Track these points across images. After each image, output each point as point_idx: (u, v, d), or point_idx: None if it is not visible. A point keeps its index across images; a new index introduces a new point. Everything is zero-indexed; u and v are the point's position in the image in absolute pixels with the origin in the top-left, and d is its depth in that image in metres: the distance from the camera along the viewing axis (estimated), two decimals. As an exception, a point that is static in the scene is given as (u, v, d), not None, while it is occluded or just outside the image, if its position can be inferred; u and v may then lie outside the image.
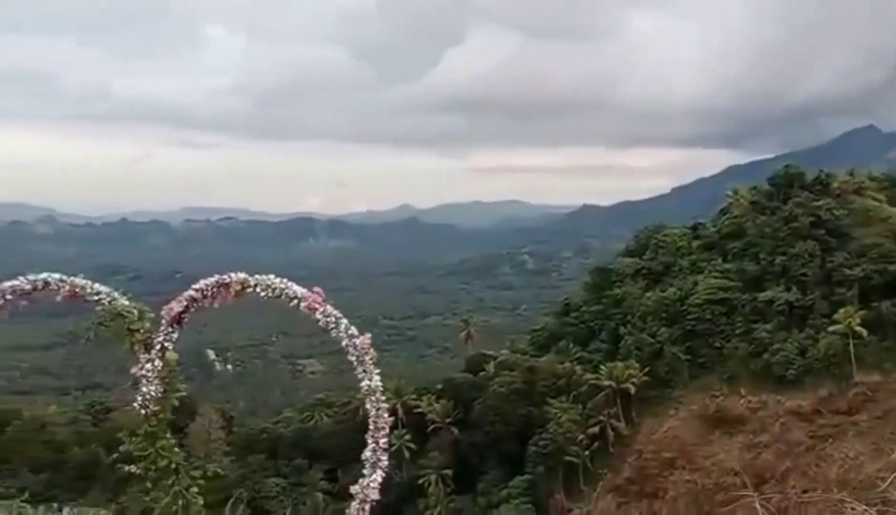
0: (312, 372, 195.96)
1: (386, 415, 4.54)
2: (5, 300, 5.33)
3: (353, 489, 4.51)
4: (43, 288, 5.24)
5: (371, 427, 4.55)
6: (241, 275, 4.87)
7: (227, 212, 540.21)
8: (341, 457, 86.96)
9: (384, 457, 4.51)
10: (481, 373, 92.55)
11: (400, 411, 79.07)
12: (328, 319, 4.67)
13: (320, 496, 79.09)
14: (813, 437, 78.42)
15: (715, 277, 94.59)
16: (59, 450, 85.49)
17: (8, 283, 5.33)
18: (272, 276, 4.84)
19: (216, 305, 5.06)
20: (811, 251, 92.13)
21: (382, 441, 4.52)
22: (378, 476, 4.49)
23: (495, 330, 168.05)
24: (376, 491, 4.48)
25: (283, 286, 4.75)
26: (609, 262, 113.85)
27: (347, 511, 4.49)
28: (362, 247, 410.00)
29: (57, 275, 5.29)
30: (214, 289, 4.94)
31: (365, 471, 4.52)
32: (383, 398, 4.55)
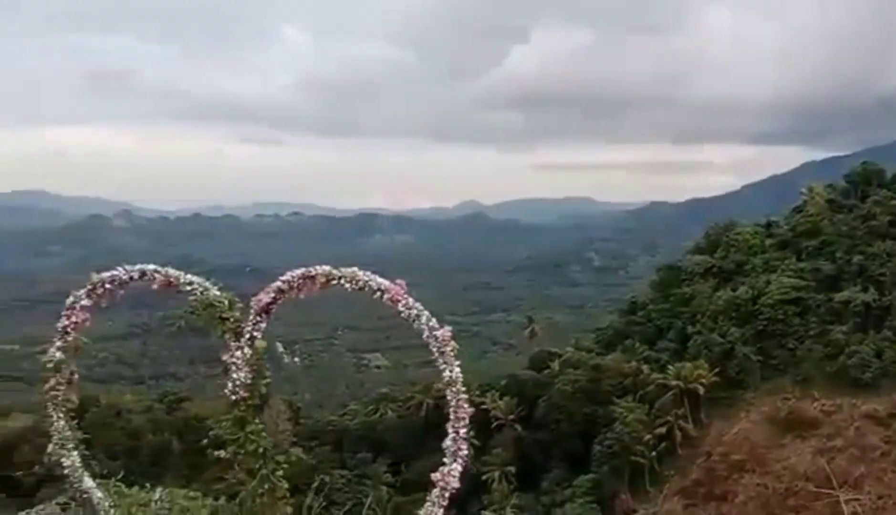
0: (377, 367, 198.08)
1: (466, 406, 4.65)
2: (105, 289, 5.64)
3: (434, 476, 4.63)
4: (140, 278, 5.52)
5: (451, 417, 4.67)
6: (326, 268, 5.04)
7: (296, 207, 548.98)
8: (405, 451, 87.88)
9: (464, 447, 4.62)
10: (546, 371, 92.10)
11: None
12: (410, 311, 4.81)
13: (384, 489, 79.90)
14: (888, 442, 75.87)
15: (788, 276, 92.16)
16: (133, 437, 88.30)
17: (107, 273, 5.64)
18: (355, 269, 5.00)
19: (301, 296, 5.26)
20: (889, 250, 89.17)
21: (462, 431, 4.63)
22: (458, 465, 4.60)
23: (560, 327, 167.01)
24: (456, 480, 4.60)
25: (366, 278, 4.91)
26: (678, 260, 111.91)
27: (428, 497, 4.62)
28: (427, 243, 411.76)
29: (152, 266, 5.57)
30: (300, 281, 5.13)
31: (445, 460, 4.63)
32: (463, 389, 4.66)
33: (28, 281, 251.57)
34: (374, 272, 5.49)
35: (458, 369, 4.71)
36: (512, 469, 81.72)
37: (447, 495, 4.68)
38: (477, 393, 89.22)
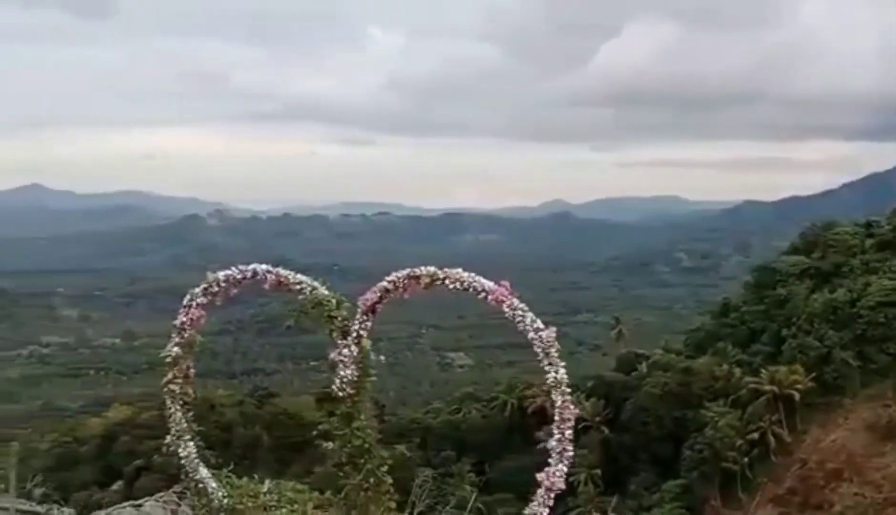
0: (461, 366, 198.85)
1: (571, 407, 4.67)
2: (220, 288, 5.89)
3: (539, 476, 4.68)
4: (252, 277, 5.75)
5: (556, 418, 4.70)
6: (431, 269, 5.14)
7: (383, 207, 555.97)
8: (488, 451, 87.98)
9: (570, 448, 4.65)
10: (633, 373, 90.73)
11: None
12: (515, 312, 4.86)
13: (468, 488, 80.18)
14: None
15: (890, 278, 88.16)
16: (226, 430, 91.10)
17: (221, 273, 5.89)
18: (460, 270, 5.09)
19: (406, 296, 5.38)
20: None
21: (568, 432, 4.66)
22: (564, 466, 4.63)
23: (648, 329, 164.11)
24: (562, 481, 4.63)
25: (471, 279, 4.98)
26: (772, 261, 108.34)
27: (532, 497, 4.66)
28: (513, 242, 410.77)
29: (264, 266, 5.79)
30: (405, 281, 5.25)
31: (550, 461, 4.67)
32: (568, 390, 4.68)
33: (127, 278, 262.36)
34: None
35: (563, 370, 4.74)
36: (598, 471, 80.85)
37: (552, 496, 4.71)
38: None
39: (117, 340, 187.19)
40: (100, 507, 6.00)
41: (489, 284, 4.96)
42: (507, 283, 4.94)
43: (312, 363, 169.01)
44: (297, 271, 5.86)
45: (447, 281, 5.08)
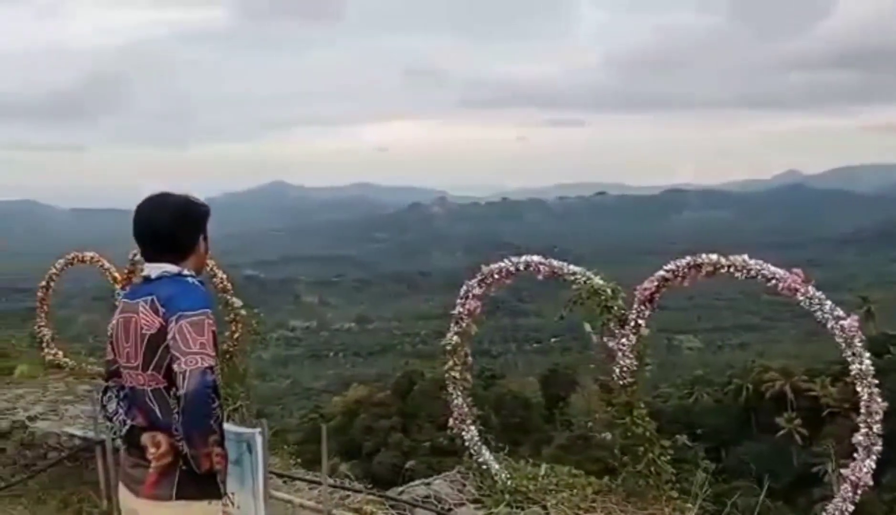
0: (689, 348, 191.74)
1: (879, 400, 4.41)
2: (494, 279, 6.14)
3: (844, 472, 4.47)
4: (525, 268, 5.93)
5: (863, 411, 4.46)
6: (713, 257, 5.03)
7: (599, 187, 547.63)
8: (723, 437, 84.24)
9: (878, 443, 4.40)
10: (886, 356, 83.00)
11: (789, 393, 74.42)
12: (811, 300, 4.65)
13: (703, 474, 77.48)
14: None
15: None
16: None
17: (495, 265, 6.13)
18: (745, 257, 4.93)
19: (686, 285, 5.30)
20: None
21: (876, 426, 4.40)
22: (871, 461, 4.39)
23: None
24: (869, 476, 4.39)
25: (759, 267, 4.82)
26: None
27: (838, 493, 4.46)
28: (742, 217, 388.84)
29: (536, 258, 5.95)
30: (686, 270, 5.18)
31: (856, 455, 4.45)
32: (875, 382, 4.42)
33: (360, 265, 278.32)
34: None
35: (868, 361, 4.47)
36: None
37: (859, 492, 4.48)
38: (804, 378, 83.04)
39: (353, 324, 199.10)
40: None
41: (780, 272, 4.77)
42: (799, 270, 4.74)
43: (535, 345, 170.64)
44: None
45: (731, 269, 4.94)
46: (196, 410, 3.15)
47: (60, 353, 9.91)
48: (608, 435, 5.49)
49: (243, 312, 8.08)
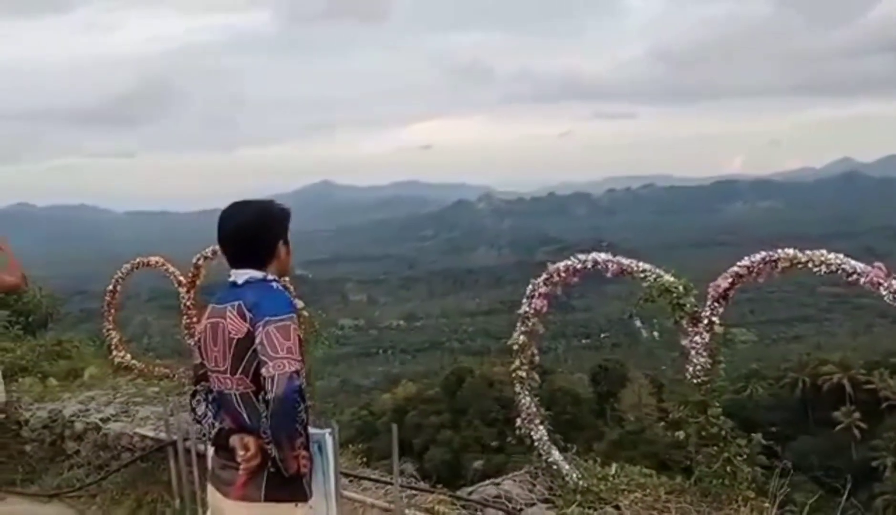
0: (743, 341, 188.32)
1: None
2: (561, 277, 6.09)
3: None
4: (593, 266, 5.87)
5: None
6: (791, 252, 4.92)
7: (647, 179, 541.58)
8: (779, 432, 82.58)
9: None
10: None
11: (847, 386, 72.84)
12: (894, 294, 4.51)
13: (759, 469, 76.14)
14: None
15: None
16: (504, 407, 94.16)
17: (562, 264, 6.08)
18: (824, 251, 4.81)
19: (760, 281, 5.20)
20: None
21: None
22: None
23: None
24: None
25: (839, 261, 4.70)
26: None
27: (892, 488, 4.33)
28: (794, 207, 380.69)
29: (603, 255, 5.89)
30: (761, 266, 5.07)
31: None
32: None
33: (406, 263, 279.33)
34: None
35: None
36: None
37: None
38: (862, 371, 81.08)
39: (401, 322, 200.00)
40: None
41: (861, 266, 4.64)
42: (881, 264, 4.61)
43: (584, 340, 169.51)
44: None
45: (810, 264, 4.82)
46: (284, 414, 3.18)
47: (129, 355, 10.11)
48: (681, 434, 5.38)
49: (306, 313, 8.16)
